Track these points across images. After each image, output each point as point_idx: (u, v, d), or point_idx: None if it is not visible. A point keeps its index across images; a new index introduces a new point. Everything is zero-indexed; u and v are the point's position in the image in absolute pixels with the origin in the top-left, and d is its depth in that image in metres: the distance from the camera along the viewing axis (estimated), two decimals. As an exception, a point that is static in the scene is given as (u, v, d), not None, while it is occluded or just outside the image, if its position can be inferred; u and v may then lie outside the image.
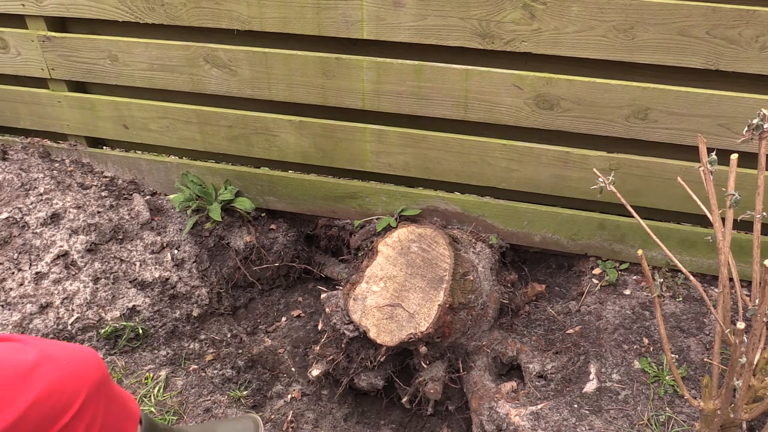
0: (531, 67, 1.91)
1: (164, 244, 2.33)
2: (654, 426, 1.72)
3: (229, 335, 2.34)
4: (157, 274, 2.25)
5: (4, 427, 0.92)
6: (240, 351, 2.30)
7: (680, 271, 1.59)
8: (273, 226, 2.49)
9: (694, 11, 1.69)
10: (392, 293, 1.89)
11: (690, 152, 1.89)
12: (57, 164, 2.50)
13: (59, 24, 2.31)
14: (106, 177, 2.54)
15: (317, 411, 2.14)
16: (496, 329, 2.03)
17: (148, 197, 2.49)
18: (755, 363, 1.38)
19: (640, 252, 1.35)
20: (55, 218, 2.22)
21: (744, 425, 1.62)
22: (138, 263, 2.25)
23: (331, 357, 1.97)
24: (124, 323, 2.12)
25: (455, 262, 1.93)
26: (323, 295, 2.04)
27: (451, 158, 2.13)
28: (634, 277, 2.18)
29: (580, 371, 1.89)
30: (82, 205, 2.27)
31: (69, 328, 2.05)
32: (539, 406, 1.79)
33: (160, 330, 2.19)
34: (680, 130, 1.89)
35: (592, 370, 1.88)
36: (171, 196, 2.48)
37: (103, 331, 2.08)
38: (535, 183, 2.11)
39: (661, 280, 2.14)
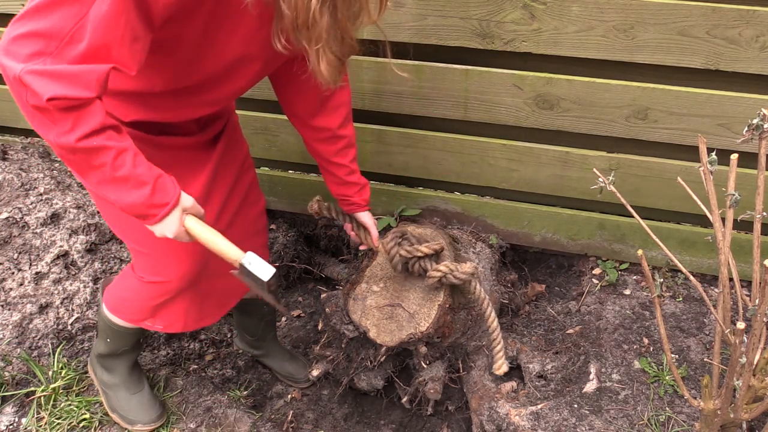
0: (531, 67, 1.91)
1: (164, 244, 2.33)
2: (654, 426, 1.72)
3: (229, 335, 2.34)
4: (157, 274, 2.25)
5: None
6: (240, 351, 2.30)
7: (680, 271, 1.59)
8: (273, 226, 2.49)
9: (694, 11, 1.69)
10: (392, 293, 1.89)
11: (690, 152, 1.89)
12: (57, 164, 2.50)
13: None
14: (106, 177, 2.53)
15: (317, 411, 2.14)
16: (496, 329, 2.04)
17: (148, 197, 2.49)
18: (755, 363, 1.38)
19: (640, 252, 1.35)
20: (55, 218, 2.22)
21: (744, 425, 1.62)
22: (138, 263, 2.25)
23: (331, 357, 1.97)
24: (124, 323, 2.12)
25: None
26: (323, 295, 2.04)
27: (451, 158, 2.13)
28: (634, 277, 2.18)
29: (580, 371, 1.89)
30: (82, 205, 2.27)
31: (69, 328, 2.05)
32: (539, 406, 1.79)
33: (160, 330, 2.19)
34: (680, 130, 1.89)
35: (592, 370, 1.89)
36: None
37: (103, 331, 2.08)
38: (535, 183, 2.11)
39: (661, 280, 2.14)
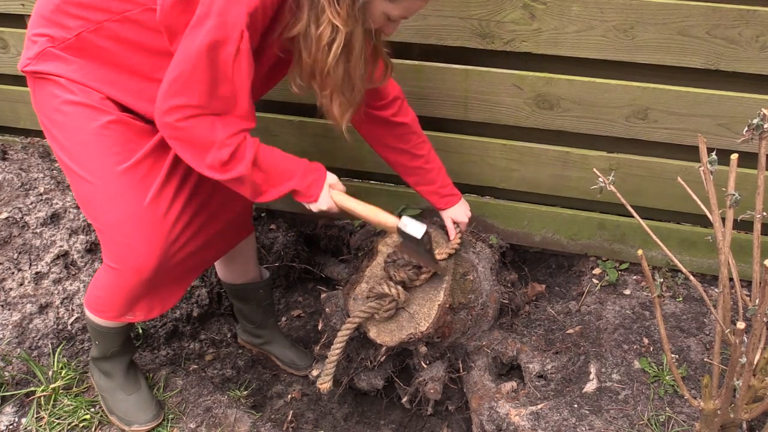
0: (531, 67, 1.91)
1: (164, 244, 2.33)
2: (654, 426, 1.72)
3: (229, 335, 2.34)
4: (157, 274, 2.25)
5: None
6: (240, 351, 2.30)
7: (680, 271, 1.59)
8: (273, 226, 2.49)
9: (694, 11, 1.69)
10: (392, 293, 1.88)
11: (690, 152, 1.89)
12: (57, 164, 2.50)
13: (59, 24, 2.31)
14: (106, 177, 2.53)
15: (317, 411, 2.14)
16: (496, 329, 2.03)
17: (148, 197, 2.49)
18: (755, 363, 1.38)
19: (640, 252, 1.35)
20: (55, 218, 2.22)
21: (744, 425, 1.62)
22: (138, 263, 2.25)
23: (331, 357, 1.97)
24: (124, 323, 2.11)
25: (455, 262, 1.93)
26: (323, 295, 2.04)
27: (451, 158, 2.12)
28: (634, 277, 2.18)
29: (580, 371, 1.89)
30: (82, 205, 2.27)
31: (69, 328, 2.05)
32: (539, 406, 1.79)
33: (160, 330, 2.19)
34: (680, 130, 1.89)
35: (592, 370, 1.89)
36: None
37: (103, 331, 2.08)
38: (535, 183, 2.11)
39: (661, 280, 2.14)
